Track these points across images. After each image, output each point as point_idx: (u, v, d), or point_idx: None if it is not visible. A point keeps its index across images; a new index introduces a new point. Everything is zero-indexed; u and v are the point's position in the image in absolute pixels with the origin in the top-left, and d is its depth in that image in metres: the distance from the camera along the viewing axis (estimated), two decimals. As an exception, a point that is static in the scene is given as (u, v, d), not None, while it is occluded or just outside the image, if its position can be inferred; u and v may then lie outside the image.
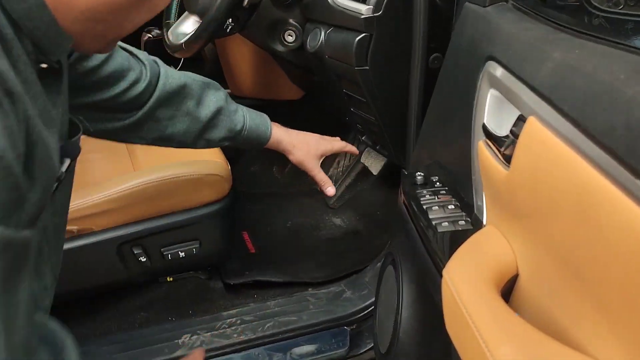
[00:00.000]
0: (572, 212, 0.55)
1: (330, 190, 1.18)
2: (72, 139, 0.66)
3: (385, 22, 1.13)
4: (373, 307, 1.38)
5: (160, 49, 1.79)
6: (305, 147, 1.14)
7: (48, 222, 0.64)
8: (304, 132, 1.19)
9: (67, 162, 0.65)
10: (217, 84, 1.06)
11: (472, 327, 0.56)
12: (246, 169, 1.91)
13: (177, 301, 1.36)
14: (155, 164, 1.26)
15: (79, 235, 1.15)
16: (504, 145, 0.69)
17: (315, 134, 1.21)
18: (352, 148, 1.26)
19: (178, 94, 0.96)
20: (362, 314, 1.39)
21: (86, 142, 1.39)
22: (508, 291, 0.67)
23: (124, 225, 1.18)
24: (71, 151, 0.65)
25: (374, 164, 1.72)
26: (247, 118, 1.06)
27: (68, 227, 1.14)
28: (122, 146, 1.37)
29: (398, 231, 1.14)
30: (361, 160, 1.78)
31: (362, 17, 1.12)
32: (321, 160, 1.17)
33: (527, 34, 0.71)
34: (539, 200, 0.60)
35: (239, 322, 1.30)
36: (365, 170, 1.85)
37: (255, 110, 1.10)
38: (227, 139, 1.05)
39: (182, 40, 1.27)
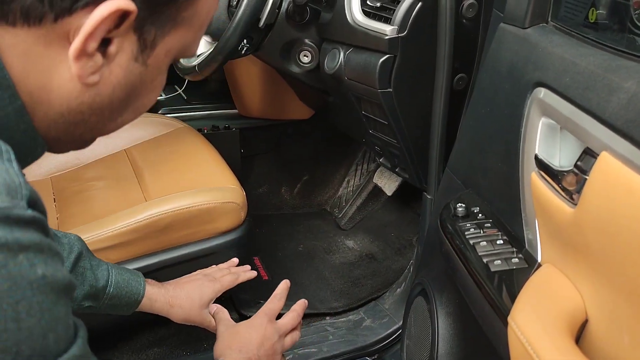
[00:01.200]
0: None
1: None
2: None
3: (410, 43, 1.09)
4: (396, 336, 1.33)
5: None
6: (186, 302, 0.93)
7: None
8: (183, 282, 0.97)
9: None
10: (73, 236, 0.87)
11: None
12: (254, 190, 1.86)
13: (191, 335, 1.30)
14: (166, 192, 1.20)
15: (90, 270, 1.09)
16: (565, 180, 0.64)
17: (197, 277, 0.98)
18: (247, 276, 1.03)
19: None
20: (384, 342, 1.34)
21: (90, 169, 1.34)
22: (576, 338, 0.62)
23: (136, 259, 1.12)
24: None
25: (388, 184, 1.67)
26: (112, 273, 0.89)
27: (79, 262, 1.09)
28: (130, 173, 1.31)
29: (428, 260, 1.09)
30: (374, 180, 1.74)
31: (387, 37, 1.08)
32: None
33: (585, 60, 0.67)
34: (616, 242, 0.55)
35: (256, 356, 1.24)
36: (376, 190, 1.81)
37: (124, 267, 0.93)
38: (90, 298, 0.86)
39: (195, 63, 1.22)
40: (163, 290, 0.94)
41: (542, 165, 0.70)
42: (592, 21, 0.76)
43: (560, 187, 0.65)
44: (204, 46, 1.27)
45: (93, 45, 0.43)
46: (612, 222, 0.55)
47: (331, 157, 1.91)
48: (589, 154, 0.60)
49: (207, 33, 1.26)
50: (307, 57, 1.30)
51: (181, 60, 1.30)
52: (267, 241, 1.69)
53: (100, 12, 0.41)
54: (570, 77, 0.67)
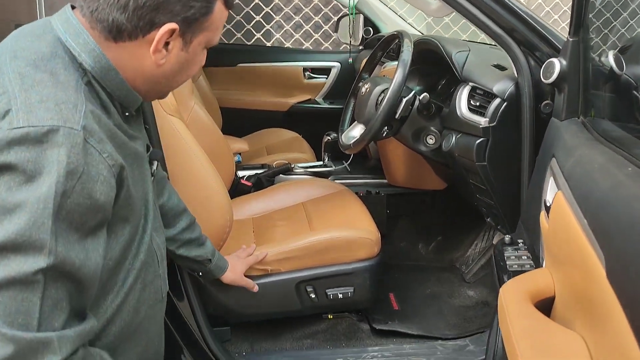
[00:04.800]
0: (570, 257, 0.88)
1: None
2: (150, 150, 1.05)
3: (499, 130, 1.52)
4: (490, 358, 1.66)
5: (334, 147, 2.34)
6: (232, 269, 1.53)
7: (151, 208, 0.99)
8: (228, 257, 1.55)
9: (155, 164, 1.07)
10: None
11: (507, 320, 0.90)
12: (396, 244, 2.32)
13: (334, 335, 1.77)
14: (325, 227, 1.74)
15: (271, 273, 1.65)
16: (549, 211, 1.03)
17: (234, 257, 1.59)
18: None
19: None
20: (481, 363, 1.67)
21: (278, 214, 1.94)
22: (549, 306, 0.98)
23: (302, 269, 1.65)
24: (154, 155, 1.07)
25: (504, 245, 2.02)
26: (216, 253, 1.47)
27: (263, 267, 1.66)
28: (303, 217, 1.87)
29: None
30: (493, 242, 2.09)
31: (481, 126, 1.53)
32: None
33: (573, 139, 1.07)
34: (559, 247, 0.94)
35: (379, 356, 1.67)
36: (498, 252, 2.15)
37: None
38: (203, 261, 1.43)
39: (351, 142, 1.77)
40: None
41: (545, 207, 1.09)
42: (592, 116, 1.15)
43: (547, 215, 1.04)
44: (359, 130, 1.83)
45: (160, 45, 0.84)
46: (558, 232, 0.94)
47: (463, 223, 2.31)
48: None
49: (361, 122, 1.82)
50: (432, 139, 1.78)
51: (343, 140, 1.87)
52: (402, 283, 2.13)
53: (163, 30, 0.83)
54: (562, 150, 1.07)
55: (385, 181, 2.33)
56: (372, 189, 2.26)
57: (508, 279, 1.08)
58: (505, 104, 1.50)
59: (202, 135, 1.83)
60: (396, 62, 2.20)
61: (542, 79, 1.27)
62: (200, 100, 2.14)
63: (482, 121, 1.53)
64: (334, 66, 3.03)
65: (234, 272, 1.54)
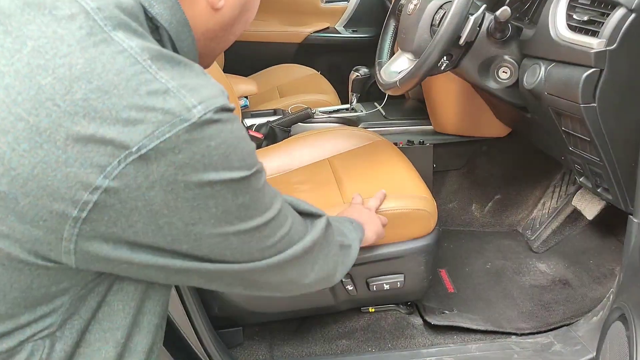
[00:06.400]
0: None
1: None
2: None
3: (619, 56, 1.05)
4: (589, 365, 1.26)
5: (365, 85, 1.88)
6: None
7: None
8: None
9: None
10: None
11: None
12: (444, 205, 1.89)
13: (377, 333, 1.38)
14: (362, 194, 1.30)
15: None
16: None
17: None
18: None
19: None
20: (575, 371, 1.27)
21: (297, 174, 1.50)
22: None
23: (334, 254, 1.24)
24: None
25: (589, 207, 1.58)
26: None
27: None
28: (331, 178, 1.44)
29: (630, 285, 1.03)
30: (573, 203, 1.65)
31: (593, 51, 1.06)
32: None
33: None
34: None
35: (437, 361, 1.28)
36: (575, 214, 1.72)
37: None
38: None
39: (396, 78, 1.31)
40: None
41: None
42: None
43: None
44: (406, 63, 1.36)
45: None
46: None
47: (526, 177, 1.86)
48: None
49: (409, 51, 1.35)
50: (506, 73, 1.31)
51: (383, 77, 1.40)
52: (455, 256, 1.71)
53: None
54: None
55: (429, 127, 1.87)
56: (414, 138, 1.81)
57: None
58: (632, 16, 1.02)
59: (195, 74, 1.38)
60: (446, -28, 1.70)
61: None
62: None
63: (595, 43, 1.06)
64: (356, -14, 2.56)
65: None
